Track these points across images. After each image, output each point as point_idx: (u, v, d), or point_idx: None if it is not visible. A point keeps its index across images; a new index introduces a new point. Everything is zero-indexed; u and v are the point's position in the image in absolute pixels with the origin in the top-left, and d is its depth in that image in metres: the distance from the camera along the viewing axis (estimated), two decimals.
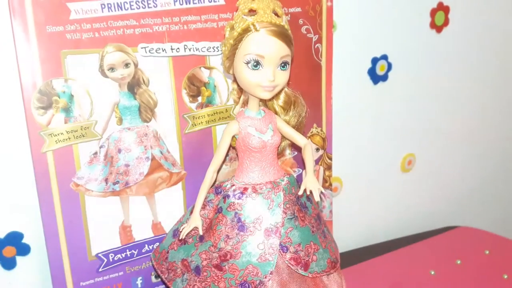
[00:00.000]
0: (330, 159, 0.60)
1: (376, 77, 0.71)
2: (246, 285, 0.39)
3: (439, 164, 0.84)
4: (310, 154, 0.42)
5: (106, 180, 0.46)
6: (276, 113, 0.43)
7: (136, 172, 0.47)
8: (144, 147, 0.47)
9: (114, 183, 0.46)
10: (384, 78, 0.72)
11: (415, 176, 0.81)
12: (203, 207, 0.42)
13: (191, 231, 0.41)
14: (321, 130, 0.58)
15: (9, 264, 0.51)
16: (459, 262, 0.71)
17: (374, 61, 0.70)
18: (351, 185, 0.74)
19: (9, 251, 0.50)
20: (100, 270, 0.47)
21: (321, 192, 0.39)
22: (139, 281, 0.50)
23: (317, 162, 0.59)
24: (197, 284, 0.40)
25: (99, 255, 0.47)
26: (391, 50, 0.71)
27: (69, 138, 0.43)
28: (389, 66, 0.72)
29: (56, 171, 0.43)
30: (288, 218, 0.40)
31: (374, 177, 0.77)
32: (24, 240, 0.51)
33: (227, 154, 0.43)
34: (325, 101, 0.58)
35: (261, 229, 0.40)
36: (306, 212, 0.42)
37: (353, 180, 0.74)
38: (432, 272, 0.68)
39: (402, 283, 0.66)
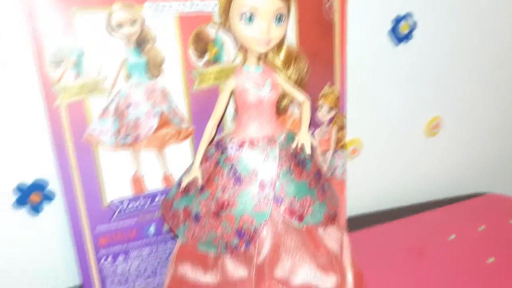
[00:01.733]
0: (344, 118, 0.59)
1: (398, 37, 0.69)
2: (242, 232, 0.41)
3: (466, 129, 0.81)
4: (306, 111, 0.43)
5: (117, 133, 0.48)
6: (276, 68, 0.43)
7: (145, 127, 0.49)
8: (152, 103, 0.49)
9: (125, 136, 0.49)
10: (408, 37, 0.69)
11: (441, 140, 0.78)
12: (205, 160, 0.44)
13: (192, 182, 0.43)
14: (335, 90, 0.57)
15: (36, 209, 0.56)
16: (481, 228, 0.70)
17: (397, 20, 0.68)
18: (371, 148, 0.73)
19: (35, 197, 0.55)
20: (114, 217, 0.50)
21: (313, 147, 0.40)
22: (151, 229, 0.53)
23: (330, 122, 0.59)
24: (196, 230, 0.42)
25: (113, 202, 0.50)
26: (415, 7, 0.68)
27: (80, 93, 0.46)
28: (414, 25, 0.69)
29: (69, 124, 0.46)
30: (283, 172, 0.42)
31: (397, 140, 0.76)
32: (49, 187, 0.55)
33: (225, 112, 0.44)
34: (338, 60, 0.57)
35: (256, 181, 0.41)
36: (304, 167, 0.43)
37: (374, 142, 0.73)
38: (452, 237, 0.68)
39: (418, 246, 0.66)
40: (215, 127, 0.43)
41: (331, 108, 0.58)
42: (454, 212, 0.75)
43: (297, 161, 0.42)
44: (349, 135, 0.72)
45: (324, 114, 0.58)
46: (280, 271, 0.42)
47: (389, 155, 0.75)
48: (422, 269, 0.61)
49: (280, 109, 0.45)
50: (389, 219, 0.73)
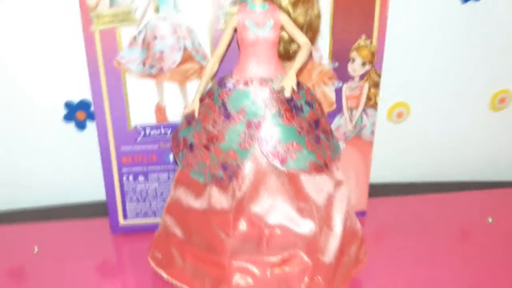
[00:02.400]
0: (378, 76, 0.56)
1: None
2: (227, 166, 0.43)
3: None
4: (301, 54, 0.41)
5: (144, 63, 0.52)
6: (282, 8, 0.42)
7: (169, 60, 0.52)
8: (177, 37, 0.51)
9: (151, 67, 0.52)
10: None
11: (508, 116, 0.70)
12: (209, 95, 0.45)
13: (192, 114, 0.45)
14: (371, 43, 0.54)
15: (81, 126, 0.63)
16: None
17: None
18: (420, 115, 0.68)
19: (81, 114, 0.63)
20: (138, 140, 0.55)
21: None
22: (170, 157, 0.57)
23: (362, 77, 0.56)
24: (190, 158, 0.45)
25: (138, 127, 0.55)
26: None
27: (112, 21, 0.50)
28: None
29: (102, 50, 0.51)
30: (272, 114, 0.42)
31: (451, 110, 0.69)
32: (92, 108, 0.62)
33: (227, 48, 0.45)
34: (378, 10, 0.53)
35: (244, 120, 0.42)
36: (297, 114, 0.43)
37: (424, 110, 0.68)
38: (490, 220, 0.62)
39: (448, 224, 0.62)
40: (217, 63, 0.45)
41: (364, 63, 0.55)
42: (505, 196, 0.68)
43: (290, 106, 0.42)
44: (396, 97, 0.68)
45: (355, 68, 0.55)
46: (257, 208, 0.43)
47: (438, 125, 0.70)
48: (443, 247, 0.58)
49: (289, 53, 0.45)
50: (423, 192, 0.68)
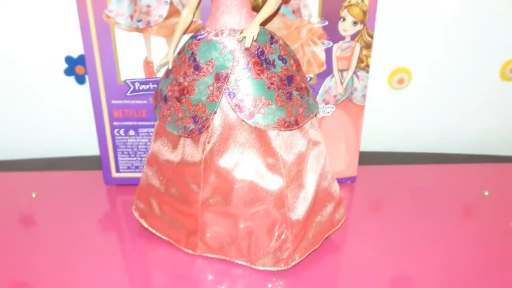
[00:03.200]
0: (371, 36, 0.54)
1: None
2: (197, 118, 0.43)
3: None
4: (268, 6, 0.40)
5: (132, 17, 0.53)
6: None
7: (156, 14, 0.52)
8: None
9: (138, 20, 0.53)
10: None
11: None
12: (182, 47, 0.45)
13: (166, 65, 0.46)
14: (362, 1, 0.52)
15: (81, 80, 0.65)
16: None
17: None
18: (422, 82, 0.65)
19: (80, 69, 0.65)
20: (128, 94, 0.57)
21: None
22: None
23: (353, 37, 0.54)
24: (165, 110, 0.46)
25: (127, 81, 0.56)
26: None
27: None
28: None
29: (92, 2, 0.52)
30: (240, 67, 0.41)
31: (457, 78, 0.66)
32: None
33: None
34: None
35: (213, 72, 0.42)
36: (268, 68, 0.42)
37: (427, 76, 0.65)
38: (486, 193, 0.60)
39: (441, 196, 0.60)
40: (190, 14, 0.45)
41: (355, 22, 0.53)
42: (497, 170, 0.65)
43: (261, 60, 0.42)
44: (397, 62, 0.65)
45: (346, 27, 0.53)
46: (224, 162, 0.43)
47: (442, 93, 0.66)
48: (432, 215, 0.56)
49: (255, 5, 0.44)
50: (423, 162, 0.66)
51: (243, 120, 0.42)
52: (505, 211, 0.57)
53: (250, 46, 0.41)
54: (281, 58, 0.43)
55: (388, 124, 0.68)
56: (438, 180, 0.63)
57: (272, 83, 0.42)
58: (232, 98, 0.42)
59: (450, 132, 0.69)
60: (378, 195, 0.61)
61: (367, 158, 0.65)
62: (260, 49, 0.42)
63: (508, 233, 0.53)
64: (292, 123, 0.43)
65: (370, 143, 0.66)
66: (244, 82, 0.42)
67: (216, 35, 0.42)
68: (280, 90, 0.43)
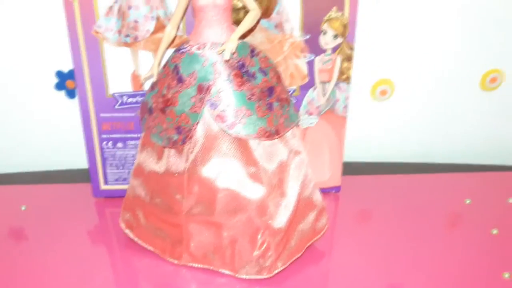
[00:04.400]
0: (351, 49, 0.56)
1: None
2: (180, 129, 0.44)
3: None
4: (247, 19, 0.42)
5: (120, 32, 0.54)
6: None
7: (143, 29, 0.54)
8: (150, 7, 0.53)
9: (126, 36, 0.54)
10: None
11: (499, 97, 0.67)
12: (167, 61, 0.47)
13: (150, 78, 0.48)
14: (342, 15, 0.54)
15: (71, 94, 0.67)
16: (511, 200, 0.61)
17: None
18: (404, 93, 0.67)
19: (70, 83, 0.66)
20: (116, 107, 0.58)
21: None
22: None
23: (334, 50, 0.56)
24: (150, 122, 0.47)
25: (115, 94, 0.57)
26: None
27: None
28: None
29: (81, 18, 0.53)
30: (222, 79, 0.43)
31: (439, 89, 0.67)
32: None
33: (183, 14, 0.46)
34: None
35: (195, 84, 0.43)
36: (249, 80, 0.43)
37: (409, 87, 0.67)
38: (468, 201, 0.61)
39: (424, 204, 0.61)
40: (173, 29, 0.46)
41: (336, 35, 0.55)
42: (491, 179, 0.66)
43: (241, 72, 0.43)
44: (381, 74, 0.67)
45: (327, 40, 0.55)
46: (207, 171, 0.45)
47: (424, 104, 0.68)
48: (420, 225, 0.57)
49: (237, 20, 0.45)
50: (405, 172, 0.67)
51: (224, 130, 0.43)
52: (486, 219, 0.58)
53: (230, 59, 0.42)
54: (261, 70, 0.45)
55: (372, 134, 0.70)
56: (421, 189, 0.64)
57: (253, 94, 0.44)
58: (214, 109, 0.43)
59: (432, 142, 0.71)
60: (363, 205, 0.62)
61: (351, 168, 0.66)
62: (241, 62, 0.43)
63: (489, 240, 0.54)
64: (272, 133, 0.44)
65: (355, 153, 0.67)
66: (225, 94, 0.43)
67: (199, 48, 0.44)
68: (261, 101, 0.44)
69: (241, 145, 0.44)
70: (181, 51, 0.44)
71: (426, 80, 0.66)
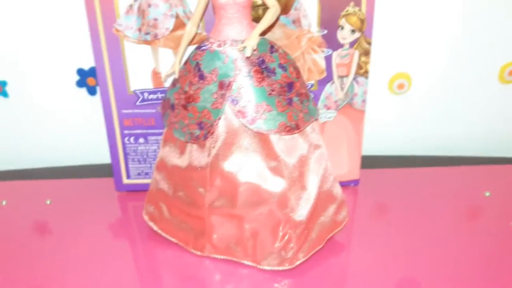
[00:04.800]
0: (369, 43, 0.56)
1: None
2: (202, 125, 0.45)
3: None
4: (268, 15, 0.43)
5: (140, 30, 0.55)
6: None
7: (163, 27, 0.55)
8: (169, 5, 0.54)
9: (146, 33, 0.56)
10: None
11: None
12: (188, 58, 0.48)
13: (172, 75, 0.48)
14: (359, 10, 0.54)
15: (92, 91, 0.68)
16: None
17: None
18: (422, 86, 0.67)
19: (91, 80, 0.67)
20: (137, 104, 0.59)
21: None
22: None
23: (352, 45, 0.56)
24: (172, 118, 0.48)
25: (136, 91, 0.59)
26: None
27: None
28: None
29: (102, 16, 0.55)
30: (242, 75, 0.44)
31: (456, 82, 0.67)
32: None
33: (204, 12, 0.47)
34: None
35: (216, 80, 0.44)
36: (269, 76, 0.44)
37: (427, 81, 0.67)
38: (487, 194, 0.61)
39: (443, 198, 0.61)
40: (194, 26, 0.47)
41: (353, 30, 0.55)
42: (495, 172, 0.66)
43: (261, 68, 0.44)
44: (397, 68, 0.67)
45: (345, 35, 0.56)
46: (229, 166, 0.46)
47: (442, 97, 0.68)
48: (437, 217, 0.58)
49: (255, 17, 0.46)
50: (424, 165, 0.67)
51: (245, 126, 0.44)
52: (506, 211, 0.58)
53: (251, 56, 0.43)
54: (281, 66, 0.46)
55: (390, 128, 0.70)
56: (440, 182, 0.65)
57: (273, 90, 0.44)
58: (235, 105, 0.44)
59: (450, 134, 0.71)
60: (382, 198, 0.62)
61: (369, 162, 0.66)
62: (261, 58, 0.44)
63: (510, 233, 0.54)
64: (292, 127, 0.45)
65: (373, 147, 0.67)
66: (246, 90, 0.44)
67: (219, 45, 0.45)
68: (281, 96, 0.45)
69: (262, 140, 0.45)
70: (202, 48, 0.45)
71: (443, 73, 0.66)
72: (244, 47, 0.43)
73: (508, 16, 0.63)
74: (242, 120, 0.44)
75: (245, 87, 0.44)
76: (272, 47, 0.46)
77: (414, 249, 0.52)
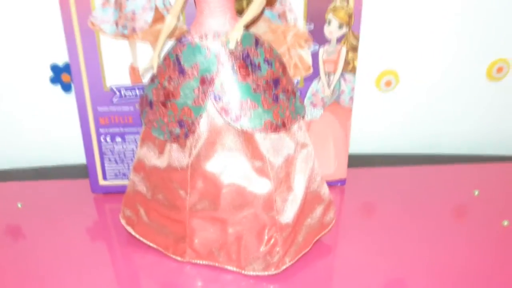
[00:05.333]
0: (356, 39, 0.54)
1: None
2: (182, 123, 0.43)
3: None
4: (253, 7, 0.40)
5: (117, 23, 0.52)
6: None
7: (141, 20, 0.52)
8: None
9: (123, 27, 0.53)
10: None
11: (506, 86, 0.66)
12: (167, 51, 0.45)
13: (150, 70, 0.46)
14: (347, 5, 0.52)
15: (67, 88, 0.65)
16: None
17: None
18: (409, 84, 0.66)
19: (66, 77, 0.64)
20: (114, 101, 0.56)
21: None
22: None
23: (339, 40, 0.54)
24: (151, 115, 0.45)
25: (112, 87, 0.56)
26: None
27: None
28: None
29: (76, 9, 0.52)
30: (226, 70, 0.41)
31: (444, 79, 0.66)
32: None
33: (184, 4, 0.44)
34: None
35: (198, 75, 0.42)
36: (254, 71, 0.42)
37: (414, 78, 0.66)
38: (476, 193, 0.60)
39: (431, 196, 0.60)
40: (174, 18, 0.45)
41: (341, 25, 0.54)
42: (497, 170, 0.65)
43: (246, 63, 0.41)
44: (385, 65, 0.65)
45: (332, 30, 0.54)
46: (211, 166, 0.43)
47: (429, 94, 0.67)
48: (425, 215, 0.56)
49: (239, 9, 0.44)
50: (412, 164, 0.66)
51: (229, 124, 0.42)
52: (495, 210, 0.57)
53: (235, 49, 0.41)
54: (266, 61, 0.43)
55: (377, 126, 0.68)
56: (428, 180, 0.63)
57: (258, 86, 0.42)
58: (218, 102, 0.41)
59: (438, 132, 0.70)
60: (369, 197, 0.60)
61: (356, 161, 0.64)
62: (245, 52, 0.42)
63: (499, 232, 0.54)
64: (279, 126, 0.43)
65: (359, 145, 0.66)
66: (229, 85, 0.41)
67: (201, 39, 0.42)
68: (266, 93, 0.42)
69: (247, 138, 0.43)
70: (182, 41, 0.43)
71: (431, 70, 0.65)
72: (228, 40, 0.41)
73: (496, 14, 0.62)
74: (226, 117, 0.41)
75: (229, 82, 0.41)
76: (257, 41, 0.43)
77: (403, 250, 0.51)
